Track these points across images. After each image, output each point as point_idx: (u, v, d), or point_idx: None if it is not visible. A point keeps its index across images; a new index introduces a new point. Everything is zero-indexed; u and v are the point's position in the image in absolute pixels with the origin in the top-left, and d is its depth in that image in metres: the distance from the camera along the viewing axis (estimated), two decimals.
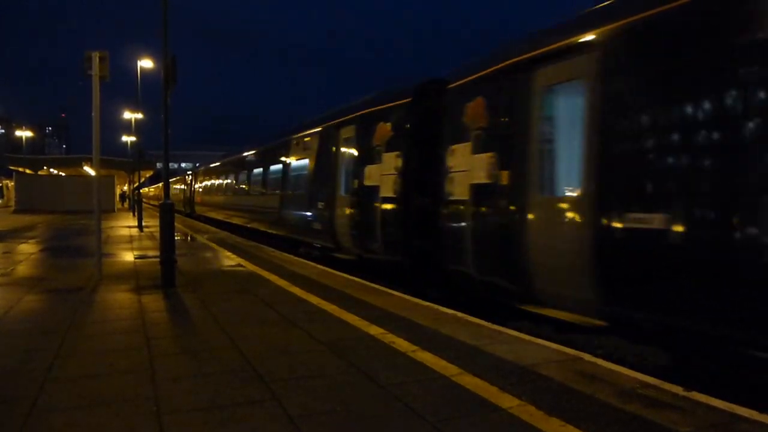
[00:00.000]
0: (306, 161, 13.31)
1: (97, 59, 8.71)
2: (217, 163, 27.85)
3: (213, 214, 27.31)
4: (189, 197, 36.81)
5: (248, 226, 19.64)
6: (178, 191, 42.51)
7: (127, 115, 36.78)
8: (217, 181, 27.12)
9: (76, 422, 3.26)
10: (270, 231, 16.69)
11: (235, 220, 21.83)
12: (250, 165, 19.91)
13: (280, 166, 15.66)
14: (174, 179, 46.70)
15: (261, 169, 18.00)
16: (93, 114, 8.98)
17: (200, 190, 32.46)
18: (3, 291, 7.63)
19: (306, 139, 13.60)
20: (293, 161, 14.54)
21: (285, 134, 16.08)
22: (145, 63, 24.43)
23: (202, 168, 33.44)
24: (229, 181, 23.89)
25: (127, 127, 40.76)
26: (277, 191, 15.58)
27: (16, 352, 4.70)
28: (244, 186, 20.58)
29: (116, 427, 3.20)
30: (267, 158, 17.37)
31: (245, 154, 20.98)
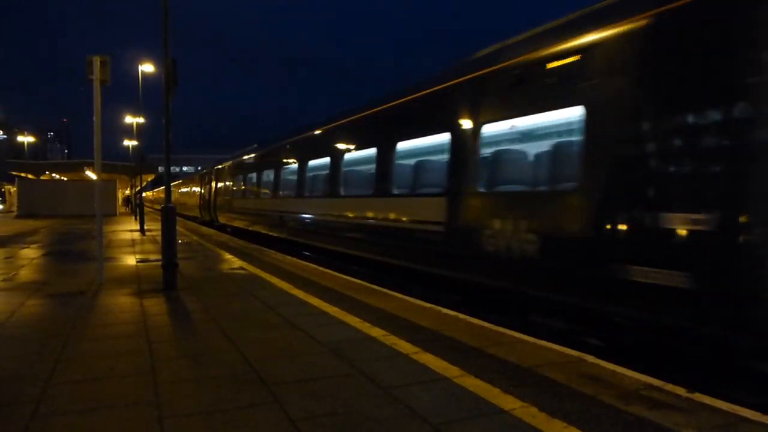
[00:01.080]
0: (550, 117, 6.24)
1: (98, 64, 8.72)
2: (265, 150, 18.19)
3: (258, 227, 18.30)
4: (209, 201, 27.38)
5: (340, 250, 11.55)
6: (190, 194, 37.19)
7: (129, 119, 36.94)
8: (264, 175, 17.86)
9: (77, 426, 3.26)
10: (425, 269, 8.28)
11: (303, 239, 13.83)
12: (341, 146, 11.59)
13: (432, 139, 8.40)
14: (181, 181, 46.02)
15: (375, 150, 9.86)
16: (94, 118, 8.99)
17: (229, 190, 23.22)
18: (5, 296, 7.63)
19: (550, 67, 5.83)
20: (488, 127, 7.00)
21: (437, 80, 8.26)
22: (147, 68, 24.55)
23: (232, 161, 23.12)
24: (290, 177, 14.92)
25: (128, 131, 41.00)
26: (435, 188, 8.09)
27: (18, 357, 4.70)
28: (327, 183, 12.09)
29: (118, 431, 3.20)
30: (390, 130, 9.52)
31: (328, 127, 12.61)
